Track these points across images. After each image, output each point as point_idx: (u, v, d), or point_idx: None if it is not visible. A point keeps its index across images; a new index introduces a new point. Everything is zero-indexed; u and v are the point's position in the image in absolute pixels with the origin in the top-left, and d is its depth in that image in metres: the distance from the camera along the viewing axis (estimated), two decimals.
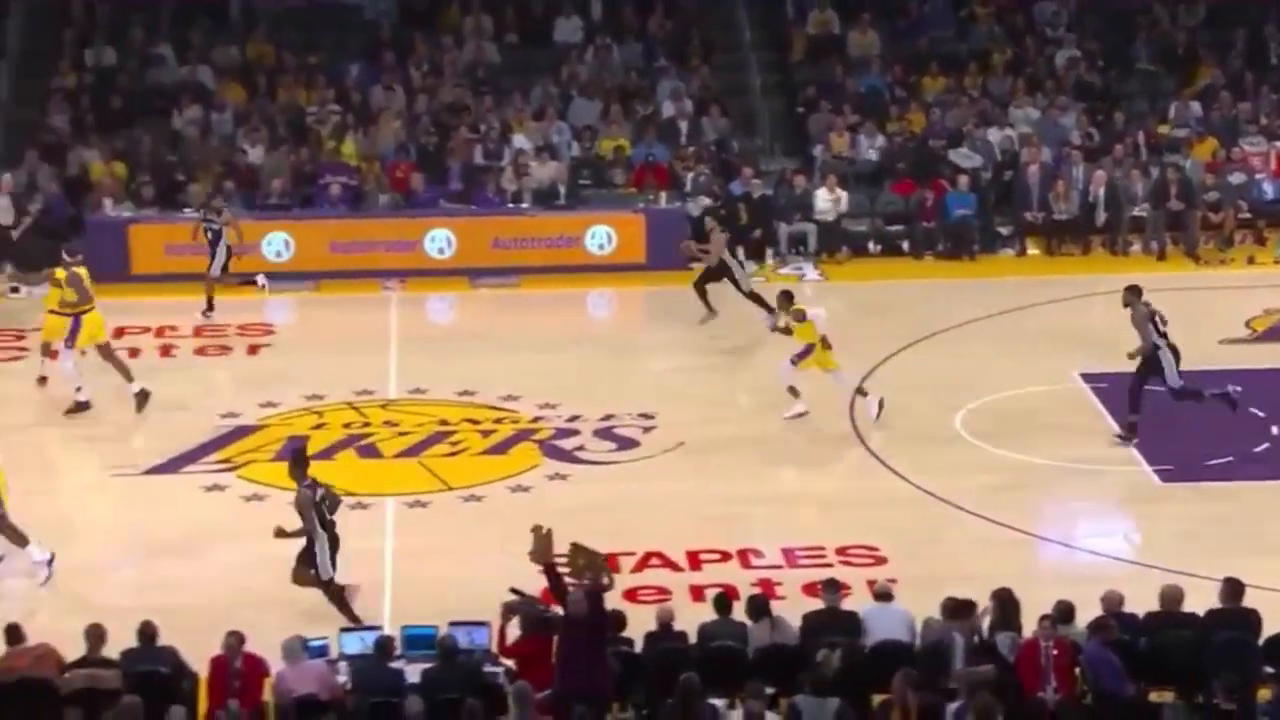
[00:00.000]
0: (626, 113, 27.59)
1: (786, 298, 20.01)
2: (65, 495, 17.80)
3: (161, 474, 18.38)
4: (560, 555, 13.36)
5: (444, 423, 19.73)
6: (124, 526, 17.37)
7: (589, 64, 28.50)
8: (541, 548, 13.09)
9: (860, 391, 19.55)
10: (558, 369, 21.22)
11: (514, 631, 13.53)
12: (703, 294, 22.53)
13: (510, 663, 13.36)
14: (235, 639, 13.15)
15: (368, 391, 20.52)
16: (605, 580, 13.29)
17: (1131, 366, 18.65)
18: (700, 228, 24.31)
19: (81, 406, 19.63)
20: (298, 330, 23.48)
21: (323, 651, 13.48)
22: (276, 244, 24.85)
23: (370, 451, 19.12)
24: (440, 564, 16.49)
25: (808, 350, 19.32)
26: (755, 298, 22.29)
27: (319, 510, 15.18)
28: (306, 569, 15.14)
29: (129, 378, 19.95)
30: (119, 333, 22.52)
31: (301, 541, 15.22)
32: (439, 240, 25.18)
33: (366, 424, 19.74)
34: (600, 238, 25.37)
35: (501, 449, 19.16)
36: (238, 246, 23.26)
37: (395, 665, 13.20)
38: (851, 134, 27.41)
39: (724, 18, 30.01)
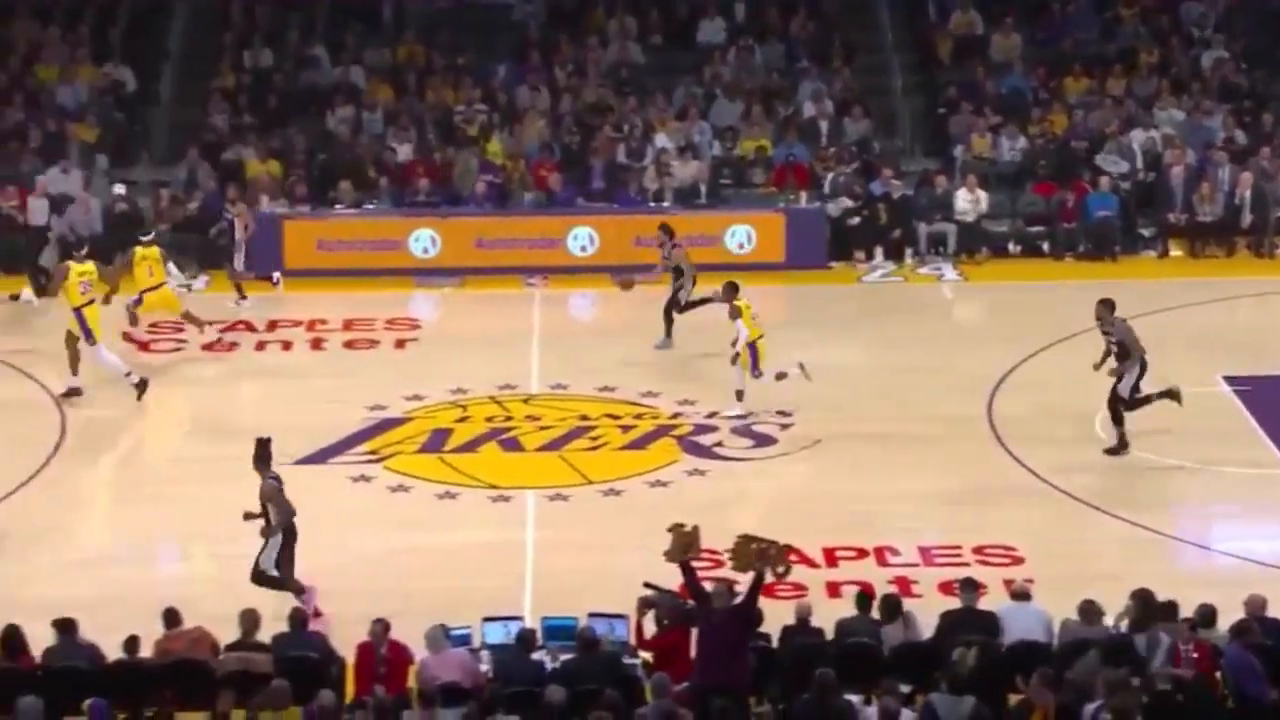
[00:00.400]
0: (768, 113, 27.56)
1: (732, 289, 19.90)
2: (221, 484, 17.98)
3: (311, 464, 18.62)
4: (707, 551, 13.32)
5: (585, 418, 19.83)
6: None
7: (731, 65, 28.51)
8: (678, 546, 13.09)
9: (780, 376, 19.48)
10: (697, 366, 21.23)
11: (650, 625, 13.56)
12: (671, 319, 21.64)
13: (648, 656, 13.40)
14: (381, 626, 13.32)
15: (510, 386, 20.68)
16: (781, 569, 13.11)
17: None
18: (842, 231, 24.26)
19: (142, 386, 19.87)
20: (443, 325, 23.72)
21: (465, 640, 13.61)
22: (423, 240, 25.13)
23: (512, 445, 19.27)
24: (579, 557, 16.58)
25: (752, 350, 19.52)
26: (669, 316, 21.54)
27: (287, 501, 15.28)
28: (288, 562, 15.23)
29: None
30: (271, 326, 22.94)
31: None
32: (581, 238, 25.32)
33: (509, 418, 19.90)
34: (740, 236, 25.36)
35: (641, 444, 19.22)
36: (244, 238, 23.41)
37: (536, 656, 13.29)
38: (993, 135, 27.16)
39: (866, 20, 29.88)
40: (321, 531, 17.10)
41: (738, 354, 19.49)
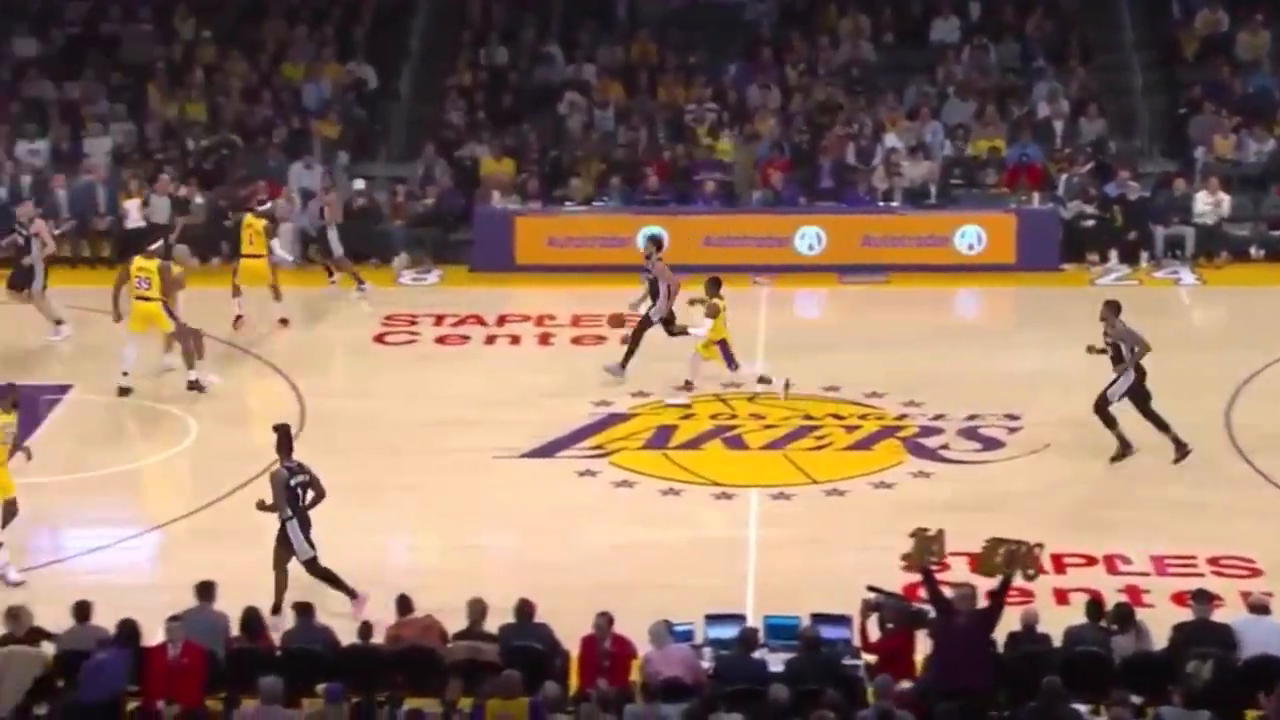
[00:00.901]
0: (1001, 113, 27.18)
1: (715, 284, 19.86)
2: (450, 475, 18.42)
3: (538, 458, 18.84)
4: (951, 554, 13.19)
5: (809, 417, 19.75)
6: (503, 507, 17.87)
7: (965, 64, 28.17)
8: (920, 550, 12.98)
9: (763, 379, 19.56)
10: (923, 367, 21.02)
11: (873, 628, 13.46)
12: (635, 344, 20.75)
13: (871, 658, 13.31)
14: (605, 620, 13.42)
15: (735, 384, 20.67)
16: (1030, 572, 12.89)
17: None
18: (1076, 232, 23.78)
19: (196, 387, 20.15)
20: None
21: (688, 637, 13.65)
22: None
23: (736, 443, 19.27)
24: (802, 556, 16.52)
25: (722, 345, 19.75)
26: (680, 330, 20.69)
27: (291, 492, 15.31)
28: (283, 549, 15.25)
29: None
30: (501, 320, 23.26)
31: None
32: (809, 237, 25.24)
33: (733, 416, 19.90)
34: (970, 237, 25.05)
35: (865, 445, 19.09)
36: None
37: (757, 655, 13.28)
38: (1237, 136, 26.41)
39: (1106, 18, 29.27)
40: (547, 525, 17.35)
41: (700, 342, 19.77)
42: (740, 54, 28.70)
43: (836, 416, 19.71)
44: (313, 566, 15.28)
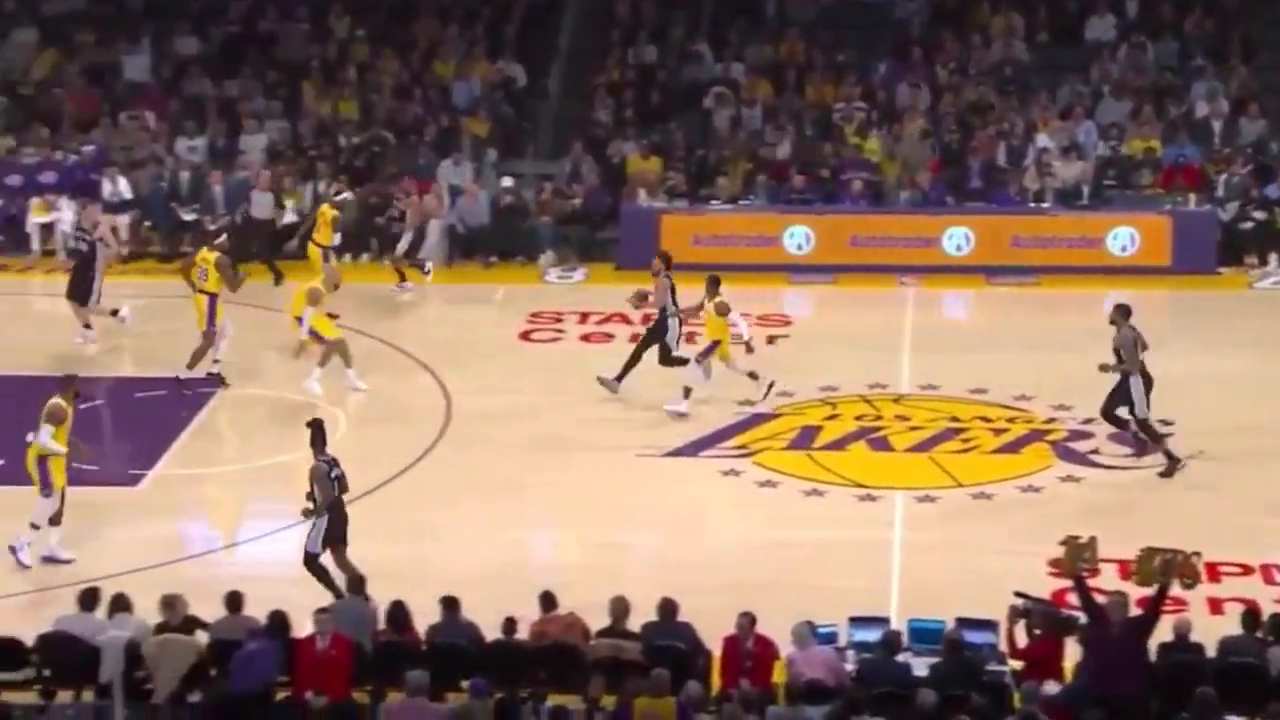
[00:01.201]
0: (1158, 112, 26.74)
1: (714, 283, 19.83)
2: (594, 473, 18.51)
3: (682, 456, 18.88)
4: (1102, 561, 13.04)
5: (955, 419, 19.59)
6: (646, 505, 17.93)
7: (1121, 62, 27.75)
8: (1071, 558, 12.83)
9: (753, 375, 19.44)
10: (1074, 370, 20.70)
11: (1020, 634, 13.32)
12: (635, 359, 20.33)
13: (1018, 664, 13.17)
14: (748, 620, 13.41)
15: (881, 385, 20.57)
16: (1188, 581, 12.74)
17: None
18: (1234, 234, 23.30)
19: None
20: (815, 322, 23.73)
21: (831, 639, 13.61)
22: (798, 237, 25.19)
23: (881, 444, 19.16)
24: (947, 560, 16.39)
25: (713, 346, 19.55)
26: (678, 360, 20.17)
27: (332, 484, 15.37)
28: (340, 548, 15.33)
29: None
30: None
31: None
32: (957, 237, 25.02)
33: (879, 417, 19.80)
34: (1123, 239, 24.69)
35: (1013, 448, 18.89)
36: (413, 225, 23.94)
37: (901, 659, 13.21)
38: None
39: (1269, 15, 28.64)
40: (689, 524, 17.39)
41: (748, 341, 19.75)
42: (890, 53, 28.51)
43: (984, 419, 19.53)
44: (311, 563, 15.38)
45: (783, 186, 26.14)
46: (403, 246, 24.28)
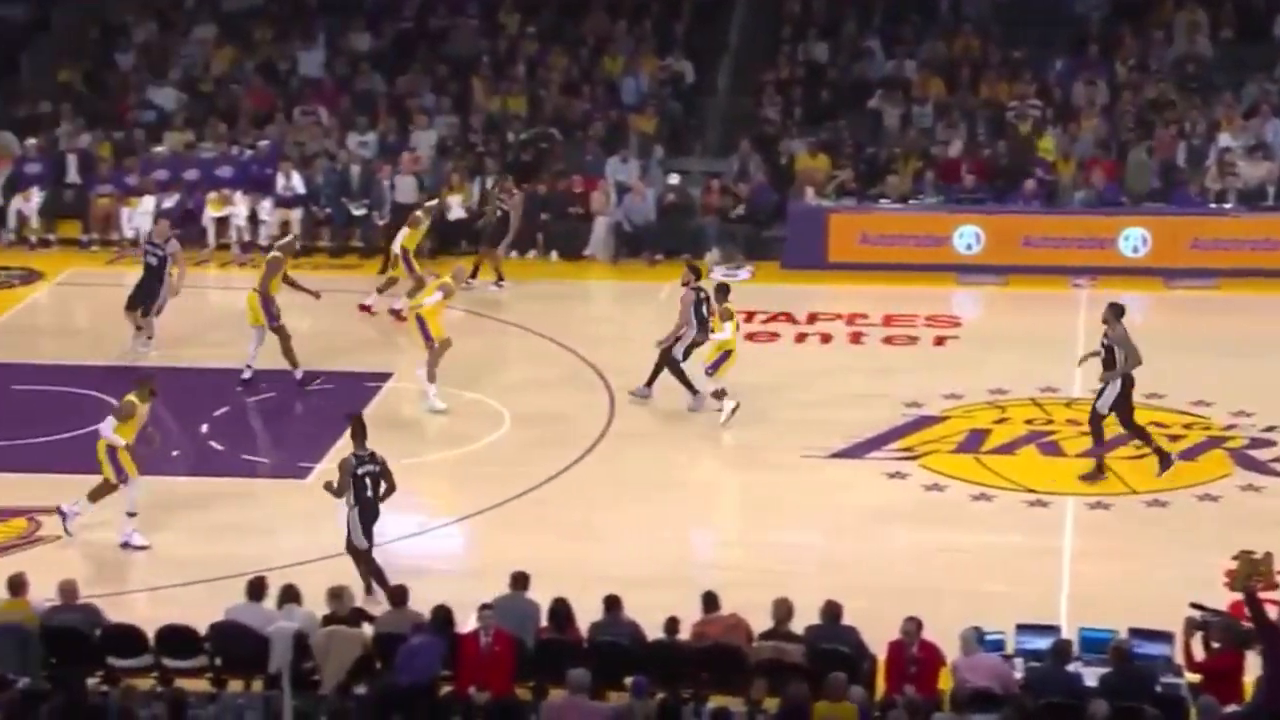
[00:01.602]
0: None
1: (724, 291, 19.68)
2: (757, 473, 18.48)
3: (847, 458, 18.78)
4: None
5: None
6: (810, 507, 17.86)
7: None
8: (1243, 573, 12.57)
9: (718, 395, 19.15)
10: (1255, 376, 20.30)
11: (1198, 647, 13.05)
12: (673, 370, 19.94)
13: (1195, 677, 12.90)
14: (914, 625, 13.30)
15: (1052, 389, 20.28)
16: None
17: None
18: None
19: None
20: (984, 323, 23.48)
21: (999, 646, 13.45)
22: (968, 237, 24.94)
23: (1052, 449, 18.90)
24: (1119, 568, 16.14)
25: (724, 358, 19.33)
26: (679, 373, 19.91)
27: (358, 480, 15.34)
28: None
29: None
30: (811, 318, 23.23)
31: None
32: (1134, 239, 24.60)
33: (1049, 421, 19.53)
34: None
35: (1190, 455, 18.54)
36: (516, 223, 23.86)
37: (1071, 668, 13.01)
38: None
39: None
40: (854, 526, 17.29)
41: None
42: (1067, 50, 28.08)
43: (1159, 425, 19.16)
44: (360, 556, 15.54)
45: (953, 185, 25.88)
46: (504, 247, 24.28)
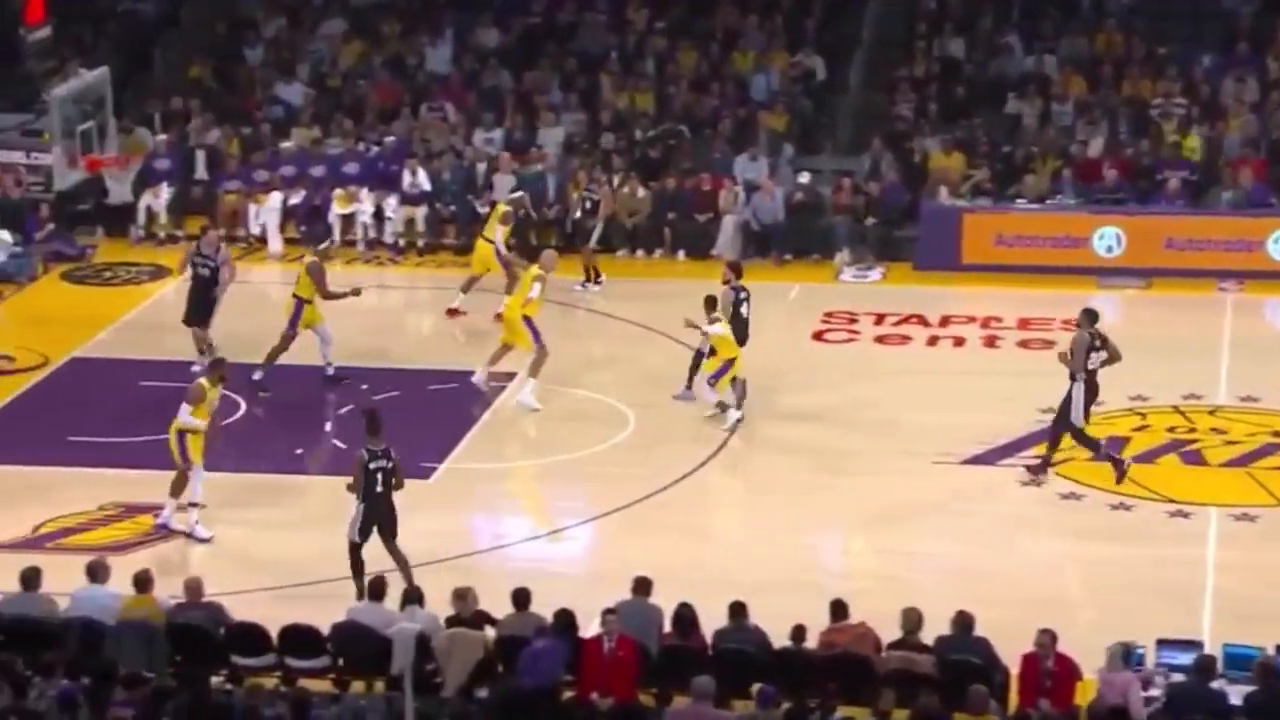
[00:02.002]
0: None
1: (710, 304, 19.40)
2: (887, 478, 18.37)
3: (979, 464, 18.63)
4: None
5: (1278, 434, 18.92)
6: (941, 514, 17.73)
7: None
8: None
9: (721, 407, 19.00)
10: None
11: None
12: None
13: None
14: (1048, 637, 13.16)
15: (1195, 396, 19.99)
16: None
17: None
18: None
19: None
20: (1125, 328, 23.01)
21: (1138, 660, 13.26)
22: (1108, 239, 24.62)
23: (1194, 458, 18.64)
24: (1266, 582, 15.91)
25: (726, 367, 19.13)
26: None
27: (369, 476, 15.38)
28: (389, 539, 15.56)
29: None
30: (944, 321, 23.05)
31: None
32: None
33: (1192, 429, 19.25)
34: None
35: None
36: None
37: (1215, 685, 12.79)
38: None
39: None
40: (986, 534, 17.15)
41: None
42: (1215, 46, 27.63)
43: None
44: (351, 551, 15.60)
45: (1093, 185, 25.55)
46: (594, 240, 24.21)
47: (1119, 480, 17.87)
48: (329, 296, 20.57)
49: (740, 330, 19.73)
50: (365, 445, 15.80)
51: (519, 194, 24.30)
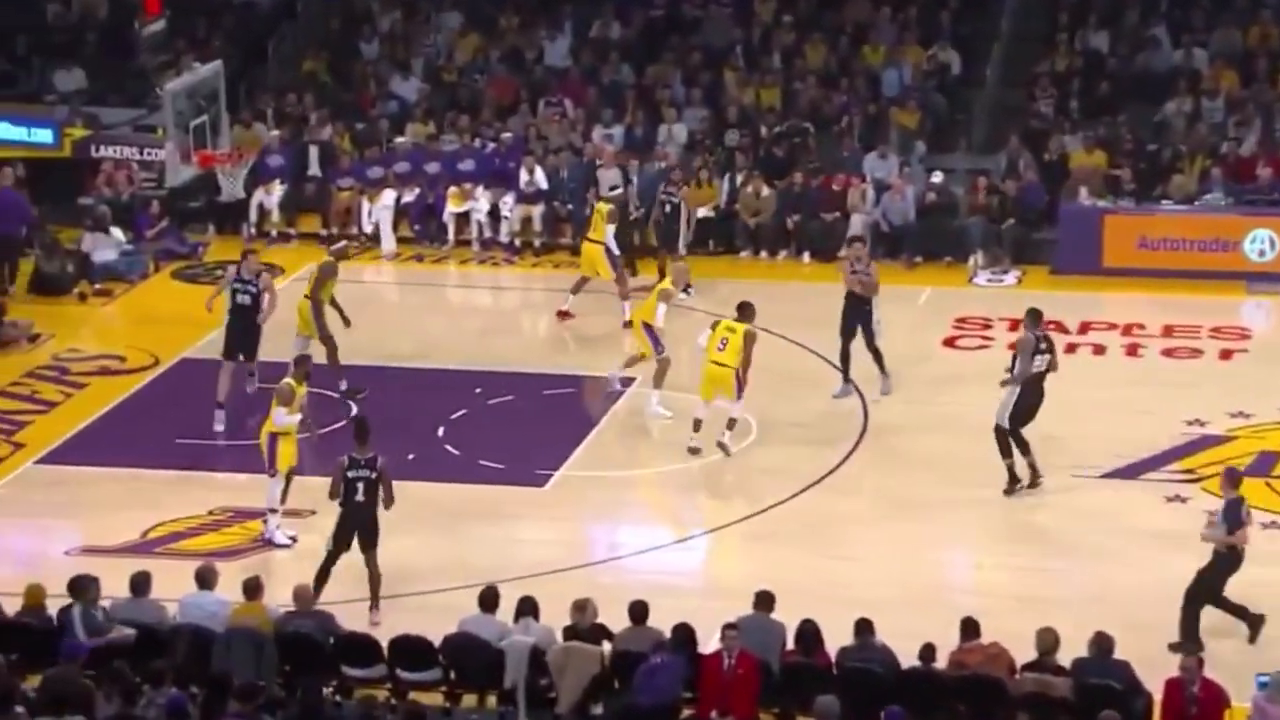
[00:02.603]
0: None
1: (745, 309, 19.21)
2: (1022, 492, 18.17)
3: (1119, 479, 18.45)
4: None
5: None
6: (1079, 530, 17.56)
7: None
8: None
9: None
10: None
11: None
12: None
13: None
14: (1194, 662, 13.00)
15: None
16: None
17: None
18: None
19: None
20: (1277, 336, 22.84)
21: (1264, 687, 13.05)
22: (1261, 242, 24.27)
23: None
24: None
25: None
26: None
27: (348, 485, 15.52)
28: (367, 549, 15.70)
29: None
30: (1084, 328, 22.79)
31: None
32: None
33: None
34: None
35: None
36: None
37: None
38: None
39: None
40: (1127, 552, 16.96)
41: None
42: None
43: None
44: (327, 561, 15.69)
45: (1245, 186, 25.17)
46: (683, 244, 23.97)
47: (1007, 492, 17.90)
48: (316, 302, 20.17)
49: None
50: (351, 453, 15.89)
51: (617, 190, 24.32)
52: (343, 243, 22.53)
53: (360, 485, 15.70)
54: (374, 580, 15.76)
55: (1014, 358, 18.13)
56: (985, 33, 28.79)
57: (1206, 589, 15.17)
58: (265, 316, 19.76)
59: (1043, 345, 18.02)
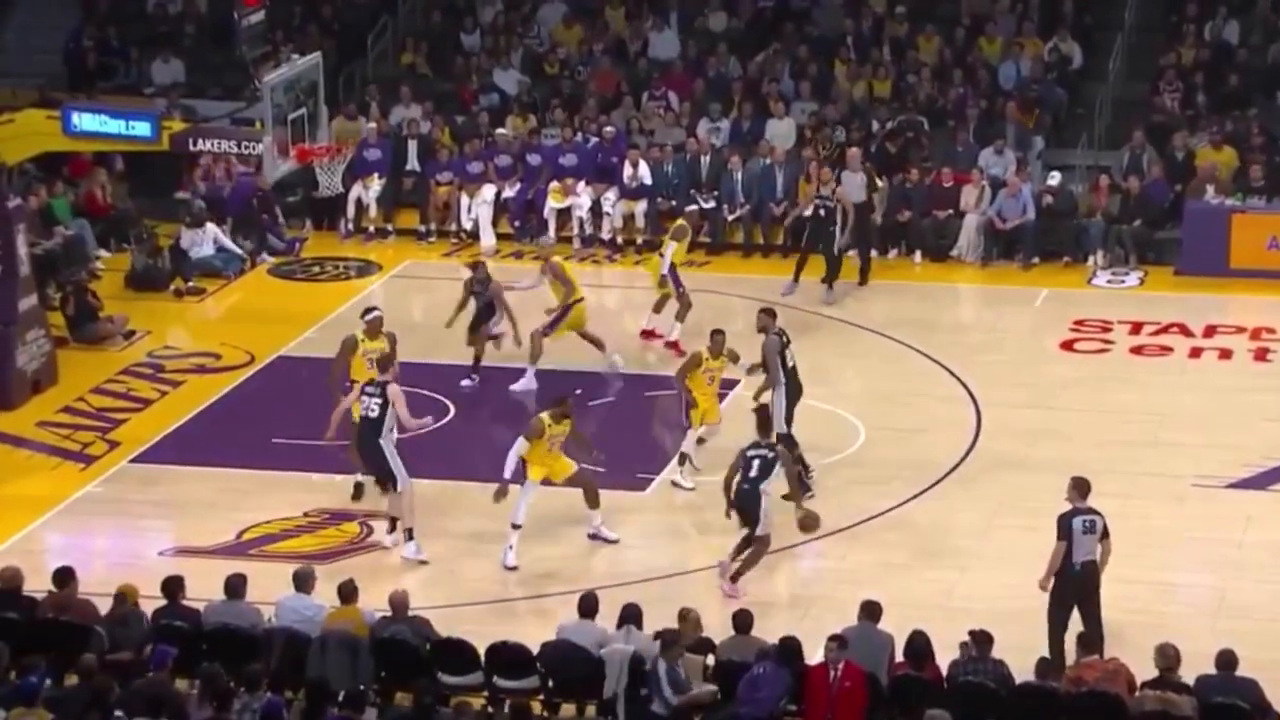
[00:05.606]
0: None
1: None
2: (1142, 502, 18.02)
3: (1248, 489, 18.25)
4: None
5: None
6: (1203, 541, 17.40)
7: None
8: None
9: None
10: None
11: None
12: None
13: None
14: None
15: None
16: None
17: None
18: None
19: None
20: None
21: None
22: None
23: None
24: None
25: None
26: None
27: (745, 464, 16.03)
28: None
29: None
30: (1209, 331, 22.54)
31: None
32: None
33: None
34: None
35: None
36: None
37: None
38: None
39: None
40: (1254, 565, 16.79)
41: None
42: None
43: None
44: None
45: None
46: (841, 244, 23.58)
47: (810, 497, 17.66)
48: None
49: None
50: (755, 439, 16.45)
51: (694, 208, 24.04)
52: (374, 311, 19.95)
53: (756, 463, 16.28)
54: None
55: (765, 362, 18.05)
56: (1108, 23, 28.52)
57: None
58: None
59: (785, 339, 18.12)
